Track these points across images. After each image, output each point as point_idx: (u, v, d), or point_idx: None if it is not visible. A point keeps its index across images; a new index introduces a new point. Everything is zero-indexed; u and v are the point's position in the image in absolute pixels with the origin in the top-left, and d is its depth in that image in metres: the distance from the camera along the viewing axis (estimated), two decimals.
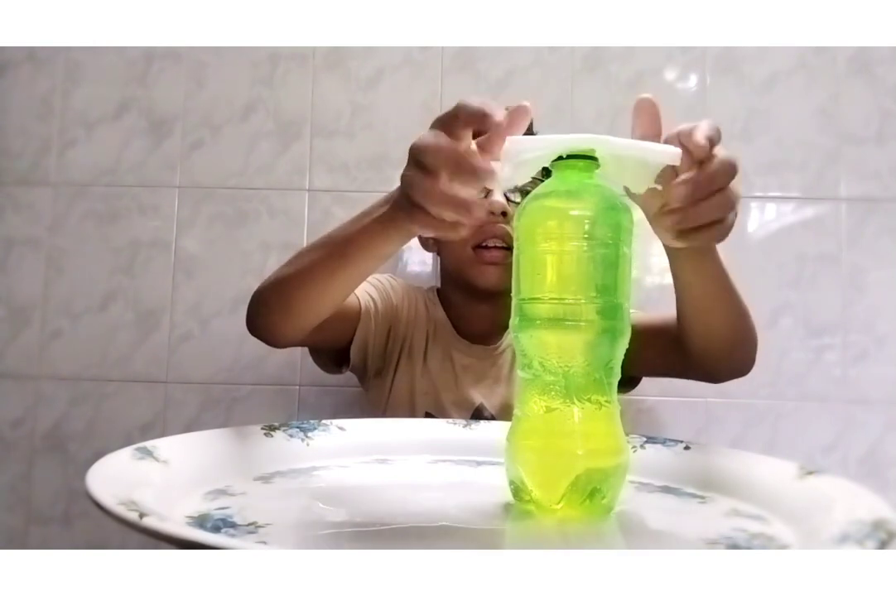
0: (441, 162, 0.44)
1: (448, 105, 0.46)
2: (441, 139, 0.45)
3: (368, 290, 0.85)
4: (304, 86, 1.15)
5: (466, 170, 0.44)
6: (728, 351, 0.68)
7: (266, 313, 0.68)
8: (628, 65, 1.14)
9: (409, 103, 1.14)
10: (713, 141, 0.46)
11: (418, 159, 0.45)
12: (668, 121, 0.51)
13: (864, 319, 1.11)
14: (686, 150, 0.46)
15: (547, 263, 0.46)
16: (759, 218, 1.12)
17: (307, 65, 1.15)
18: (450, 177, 0.44)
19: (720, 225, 0.48)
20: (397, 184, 0.50)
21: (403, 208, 0.48)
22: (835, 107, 1.13)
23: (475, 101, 0.44)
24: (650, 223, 0.52)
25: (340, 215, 1.12)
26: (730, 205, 0.48)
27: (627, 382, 0.77)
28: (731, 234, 0.51)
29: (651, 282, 1.10)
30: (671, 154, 0.46)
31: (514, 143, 0.44)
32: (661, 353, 0.72)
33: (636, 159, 0.46)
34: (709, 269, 0.60)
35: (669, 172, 0.47)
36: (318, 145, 1.14)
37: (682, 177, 0.46)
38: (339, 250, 0.58)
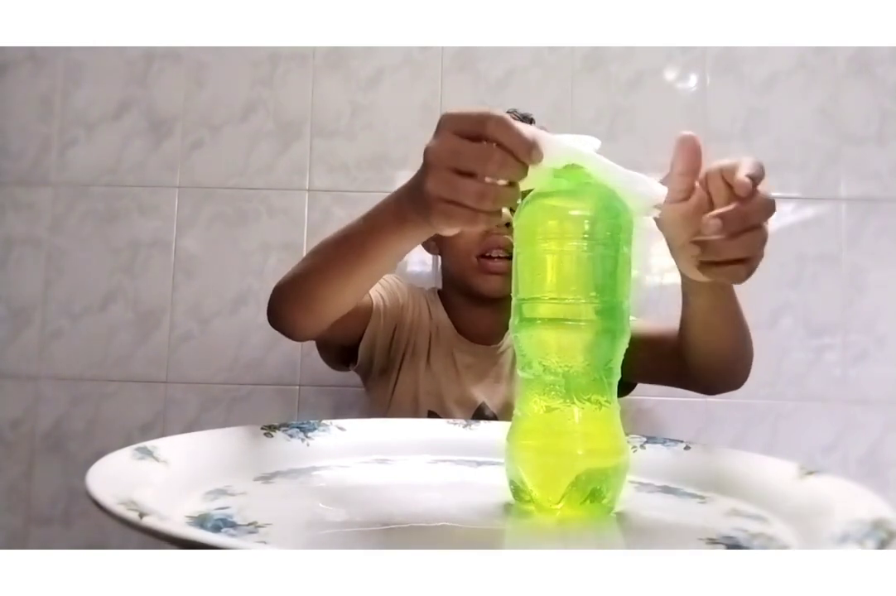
0: (476, 162, 0.43)
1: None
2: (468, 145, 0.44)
3: (377, 288, 0.86)
4: (304, 86, 1.15)
5: (511, 164, 0.43)
6: (725, 370, 0.70)
7: (286, 309, 0.68)
8: (628, 65, 1.14)
9: (409, 103, 1.14)
10: (755, 179, 0.46)
11: (451, 165, 0.44)
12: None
13: (864, 319, 1.11)
14: (727, 186, 0.47)
15: (546, 263, 0.46)
16: None
17: (307, 65, 1.15)
18: (494, 173, 0.44)
19: (746, 264, 0.48)
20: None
21: (420, 204, 0.47)
22: (835, 107, 1.13)
23: (524, 128, 0.43)
24: (672, 254, 0.51)
25: (340, 215, 1.13)
26: (760, 244, 0.48)
27: (623, 388, 0.77)
28: None
29: (651, 282, 1.10)
30: (655, 195, 0.46)
31: (550, 143, 0.44)
32: (655, 362, 0.73)
33: (619, 185, 0.46)
34: (723, 305, 0.61)
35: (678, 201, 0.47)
36: (318, 145, 1.14)
37: (719, 210, 0.46)
38: (356, 249, 0.58)
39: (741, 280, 0.49)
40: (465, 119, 0.44)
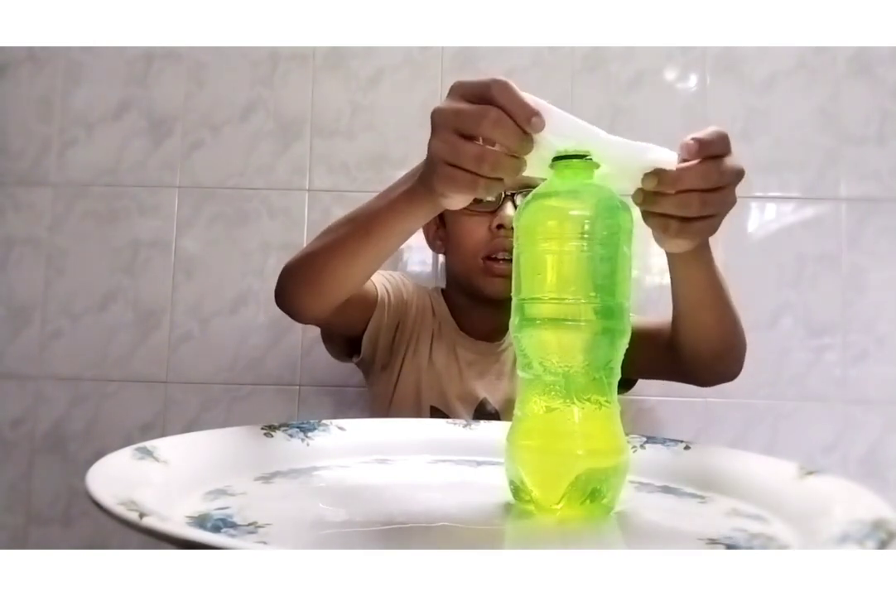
0: (482, 124, 0.44)
1: None
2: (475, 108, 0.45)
3: (384, 283, 0.87)
4: (304, 86, 1.15)
5: (508, 125, 0.43)
6: (714, 358, 0.71)
7: (294, 287, 0.69)
8: (628, 65, 1.14)
9: (409, 103, 1.14)
10: (702, 142, 0.47)
11: (457, 126, 0.45)
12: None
13: (864, 319, 1.10)
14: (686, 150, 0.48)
15: (547, 263, 0.46)
16: (759, 218, 1.12)
17: (307, 65, 1.15)
18: (489, 132, 0.44)
19: (705, 221, 0.49)
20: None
21: (427, 169, 0.48)
22: (835, 107, 1.13)
23: (527, 97, 0.44)
24: (644, 221, 0.52)
25: (340, 215, 1.12)
26: (721, 205, 0.49)
27: (623, 384, 0.78)
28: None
29: (651, 282, 1.10)
30: (666, 160, 0.47)
31: (556, 118, 0.44)
32: (652, 356, 0.74)
33: (631, 158, 0.46)
34: (698, 278, 0.62)
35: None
36: (318, 145, 1.14)
37: (683, 164, 0.47)
38: (365, 226, 0.60)
39: (701, 236, 0.51)
40: (472, 84, 0.46)
